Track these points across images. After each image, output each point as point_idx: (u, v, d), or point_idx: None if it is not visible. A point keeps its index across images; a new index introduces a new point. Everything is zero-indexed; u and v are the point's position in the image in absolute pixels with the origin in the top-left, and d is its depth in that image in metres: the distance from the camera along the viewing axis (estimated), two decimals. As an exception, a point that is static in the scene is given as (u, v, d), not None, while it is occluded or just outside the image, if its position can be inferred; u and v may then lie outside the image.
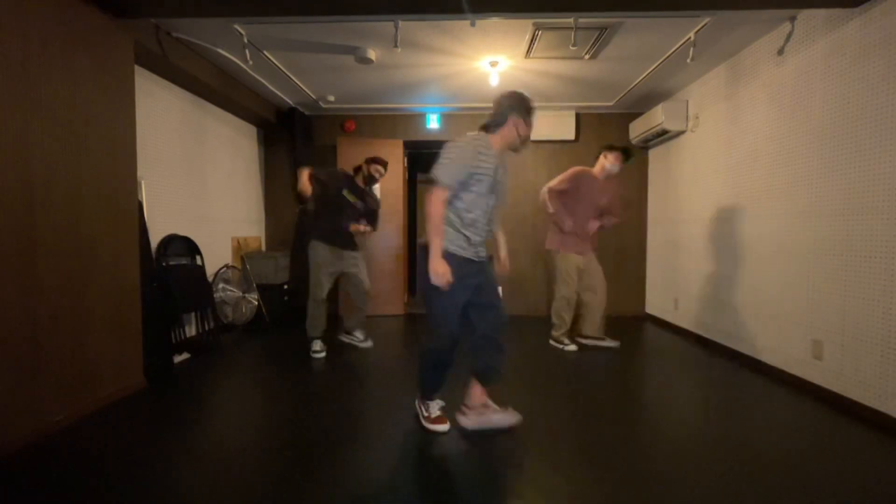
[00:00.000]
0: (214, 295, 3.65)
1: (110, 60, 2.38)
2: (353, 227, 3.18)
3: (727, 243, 3.33)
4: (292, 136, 4.55)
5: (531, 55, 3.25)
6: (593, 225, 3.34)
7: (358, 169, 3.31)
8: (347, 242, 3.23)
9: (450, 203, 1.85)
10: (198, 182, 3.65)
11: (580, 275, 3.39)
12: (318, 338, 3.27)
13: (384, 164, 3.30)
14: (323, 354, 3.23)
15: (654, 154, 4.69)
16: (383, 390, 2.57)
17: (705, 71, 3.57)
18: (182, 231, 3.40)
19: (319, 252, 3.14)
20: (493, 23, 2.77)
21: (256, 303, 4.12)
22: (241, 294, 3.96)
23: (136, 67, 2.69)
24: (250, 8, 2.37)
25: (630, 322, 4.51)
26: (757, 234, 2.98)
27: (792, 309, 2.66)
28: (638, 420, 2.18)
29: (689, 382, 2.73)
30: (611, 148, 3.34)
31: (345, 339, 3.53)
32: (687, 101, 3.93)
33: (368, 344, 3.47)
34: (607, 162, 3.31)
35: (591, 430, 2.05)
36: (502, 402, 2.15)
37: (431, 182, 1.82)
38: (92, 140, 2.25)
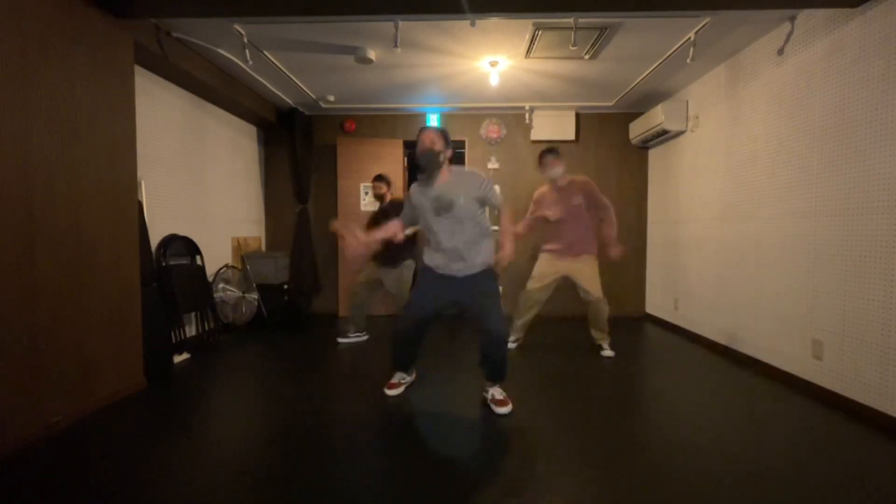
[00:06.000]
0: (214, 295, 3.65)
1: (110, 60, 2.38)
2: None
3: (727, 243, 3.32)
4: (292, 136, 4.54)
5: (531, 55, 3.25)
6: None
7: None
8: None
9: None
10: (198, 182, 3.65)
11: (561, 277, 3.32)
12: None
13: (375, 178, 3.60)
14: None
15: (654, 154, 4.69)
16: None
17: (705, 71, 3.57)
18: (182, 231, 3.39)
19: None
20: (493, 23, 2.77)
21: (256, 303, 4.12)
22: (241, 294, 3.96)
23: (136, 67, 2.69)
24: (250, 8, 2.37)
25: (630, 322, 4.51)
26: (757, 234, 2.98)
27: (792, 309, 2.66)
28: (638, 420, 2.18)
29: (689, 383, 2.73)
30: (539, 159, 3.25)
31: None
32: (687, 101, 3.93)
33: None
34: (543, 172, 3.24)
35: (592, 430, 2.05)
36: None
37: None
38: (92, 140, 2.25)
